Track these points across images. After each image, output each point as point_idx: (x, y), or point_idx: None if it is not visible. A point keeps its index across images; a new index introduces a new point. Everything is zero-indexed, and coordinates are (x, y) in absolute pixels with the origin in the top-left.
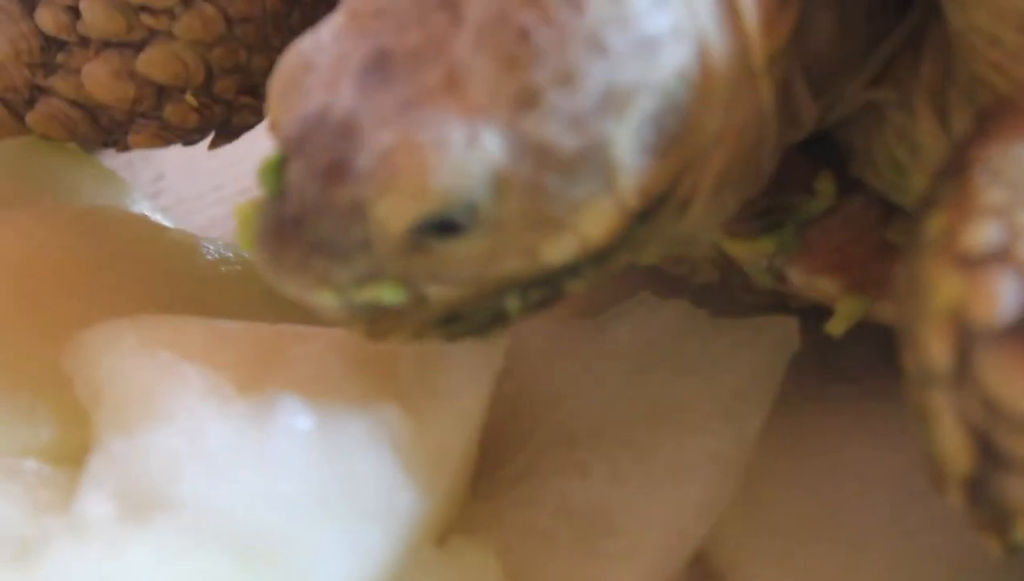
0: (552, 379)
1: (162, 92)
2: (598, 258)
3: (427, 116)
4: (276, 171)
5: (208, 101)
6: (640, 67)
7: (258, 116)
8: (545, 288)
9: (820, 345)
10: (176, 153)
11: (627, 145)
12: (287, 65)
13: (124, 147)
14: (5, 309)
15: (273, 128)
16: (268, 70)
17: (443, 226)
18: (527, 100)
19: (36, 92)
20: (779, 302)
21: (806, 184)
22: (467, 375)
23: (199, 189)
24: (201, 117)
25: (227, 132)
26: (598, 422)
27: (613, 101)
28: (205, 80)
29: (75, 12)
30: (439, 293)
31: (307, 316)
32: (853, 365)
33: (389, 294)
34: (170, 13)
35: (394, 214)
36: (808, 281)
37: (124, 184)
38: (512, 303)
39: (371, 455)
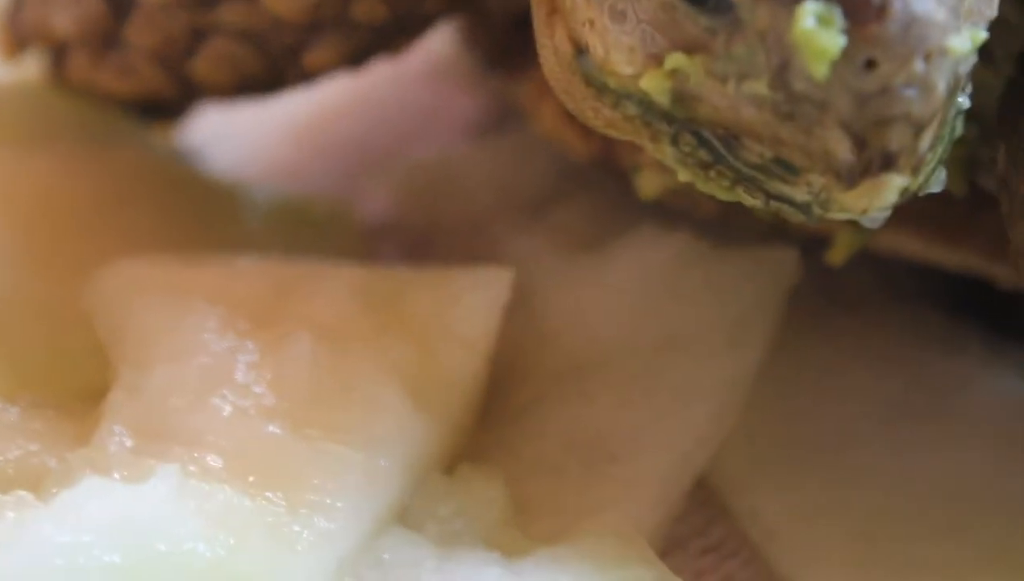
0: (558, 311)
1: None
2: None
3: None
4: None
5: None
6: None
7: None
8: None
9: (821, 276)
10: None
11: None
12: None
13: (298, 77)
14: (23, 248)
15: None
16: None
17: None
18: None
19: (196, 39)
20: (780, 233)
21: None
22: (475, 308)
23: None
24: (390, 9)
25: (416, 24)
26: (603, 352)
27: None
28: None
29: None
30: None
31: (318, 252)
32: (854, 295)
33: (979, 38)
34: None
35: None
36: None
37: (140, 124)
38: (962, 105)
39: (382, 386)
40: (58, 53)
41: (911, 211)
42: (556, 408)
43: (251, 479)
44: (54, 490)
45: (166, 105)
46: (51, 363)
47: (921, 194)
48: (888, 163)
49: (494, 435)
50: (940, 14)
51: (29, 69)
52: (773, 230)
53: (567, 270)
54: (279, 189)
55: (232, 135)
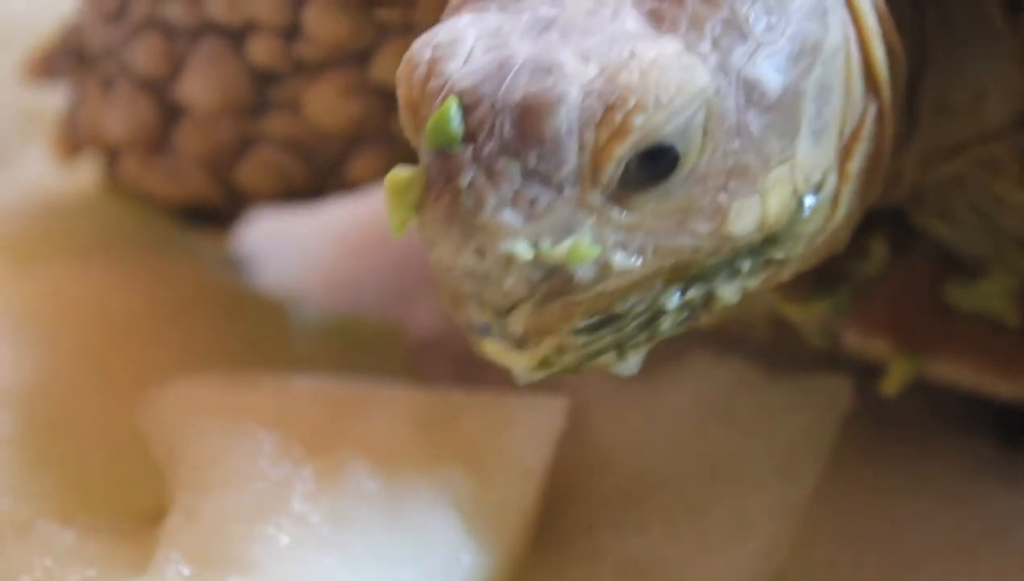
0: (611, 437)
1: (392, 102)
2: (758, 249)
3: (635, 46)
4: (448, 123)
5: None
6: (816, 26)
7: None
8: (703, 286)
9: (875, 403)
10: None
11: (807, 109)
12: (422, 50)
13: (342, 186)
14: (79, 363)
15: (410, 118)
16: None
17: (655, 159)
18: (736, 32)
19: (243, 147)
20: (834, 359)
21: (859, 246)
22: (529, 434)
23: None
24: None
25: None
26: (655, 479)
27: (804, 53)
28: None
29: (288, 36)
30: (622, 264)
31: (368, 369)
32: (905, 422)
33: (584, 252)
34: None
35: (615, 136)
36: (862, 342)
37: (197, 236)
38: (671, 302)
39: (435, 515)
40: (110, 157)
41: (964, 341)
42: (608, 535)
43: None
44: None
45: (213, 210)
46: (108, 484)
47: (620, 373)
48: (484, 332)
49: (548, 562)
50: (500, 214)
51: (84, 176)
52: (826, 358)
53: (618, 394)
54: (329, 304)
55: (283, 247)
